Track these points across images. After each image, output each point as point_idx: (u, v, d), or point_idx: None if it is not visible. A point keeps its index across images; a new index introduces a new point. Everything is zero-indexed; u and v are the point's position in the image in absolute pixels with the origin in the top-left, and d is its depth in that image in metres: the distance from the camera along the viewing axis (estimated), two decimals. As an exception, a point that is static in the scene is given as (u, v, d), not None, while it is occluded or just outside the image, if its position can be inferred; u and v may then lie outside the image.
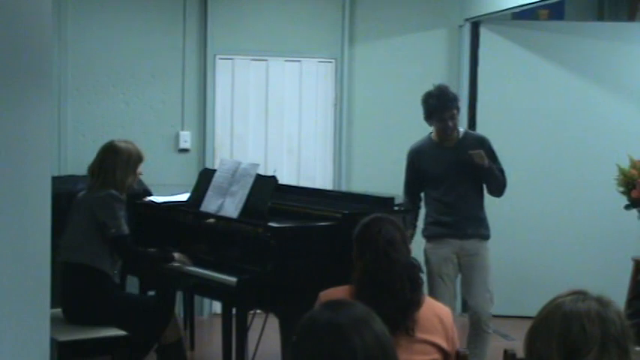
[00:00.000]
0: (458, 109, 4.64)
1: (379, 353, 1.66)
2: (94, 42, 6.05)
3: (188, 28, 6.19)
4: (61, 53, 5.90)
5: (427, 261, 4.64)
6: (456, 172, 4.61)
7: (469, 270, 4.66)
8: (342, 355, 1.63)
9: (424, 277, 2.83)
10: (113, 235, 4.20)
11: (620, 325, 1.72)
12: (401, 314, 2.68)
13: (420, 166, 4.72)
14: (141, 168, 4.46)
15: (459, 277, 4.74)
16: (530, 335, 1.76)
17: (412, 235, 4.55)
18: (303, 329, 1.71)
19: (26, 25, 2.93)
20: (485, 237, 4.71)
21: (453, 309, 4.74)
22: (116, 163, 4.34)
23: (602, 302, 1.75)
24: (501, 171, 4.69)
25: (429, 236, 4.72)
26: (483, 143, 4.70)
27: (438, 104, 4.55)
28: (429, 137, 4.76)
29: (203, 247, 4.44)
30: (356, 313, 1.71)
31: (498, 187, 4.69)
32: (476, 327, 4.64)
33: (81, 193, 4.41)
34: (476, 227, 4.66)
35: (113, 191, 4.27)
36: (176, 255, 4.33)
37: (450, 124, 4.59)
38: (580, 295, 1.77)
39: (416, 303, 2.71)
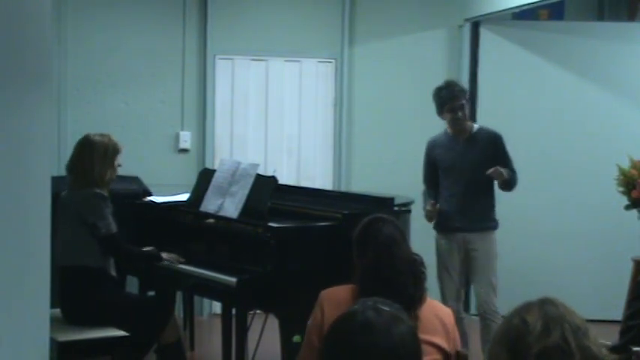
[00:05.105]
0: (467, 100, 4.82)
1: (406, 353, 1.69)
2: (94, 42, 6.06)
3: (188, 28, 6.19)
4: (61, 53, 5.90)
5: (436, 251, 4.85)
6: (465, 163, 4.78)
7: (473, 262, 4.79)
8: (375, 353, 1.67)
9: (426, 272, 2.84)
10: (103, 235, 4.20)
11: (561, 306, 1.71)
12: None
13: (433, 156, 4.91)
14: (119, 160, 4.38)
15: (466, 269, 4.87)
16: None
17: (433, 208, 4.72)
18: (339, 326, 1.75)
19: (26, 25, 2.93)
20: (491, 228, 4.84)
21: (459, 301, 4.86)
22: (93, 158, 4.28)
23: (543, 300, 1.74)
24: (513, 171, 4.82)
25: (437, 228, 4.88)
26: (496, 139, 4.85)
27: (448, 95, 4.75)
28: (445, 131, 4.94)
29: (203, 247, 4.43)
30: (388, 314, 1.76)
31: (510, 188, 4.86)
32: (483, 318, 4.77)
33: (64, 192, 4.35)
34: (481, 220, 4.81)
35: (97, 190, 4.24)
36: (164, 255, 4.35)
37: (460, 114, 4.75)
38: (521, 304, 1.76)
39: (418, 299, 2.72)
